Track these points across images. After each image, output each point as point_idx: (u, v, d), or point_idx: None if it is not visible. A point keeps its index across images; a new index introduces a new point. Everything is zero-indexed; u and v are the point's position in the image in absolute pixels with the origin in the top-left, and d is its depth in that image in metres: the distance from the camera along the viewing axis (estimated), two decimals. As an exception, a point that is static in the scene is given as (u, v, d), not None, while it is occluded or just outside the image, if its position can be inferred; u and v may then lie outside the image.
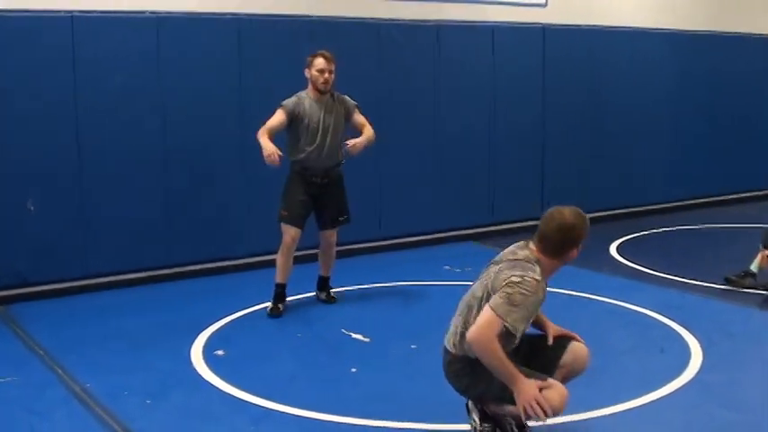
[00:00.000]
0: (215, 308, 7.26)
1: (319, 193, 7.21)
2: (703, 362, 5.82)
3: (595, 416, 5.00)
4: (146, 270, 8.23)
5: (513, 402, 4.25)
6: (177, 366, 5.92)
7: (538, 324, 4.70)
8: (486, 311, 4.22)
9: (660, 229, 10.87)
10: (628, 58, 11.38)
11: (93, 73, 7.78)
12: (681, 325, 6.63)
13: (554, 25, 10.73)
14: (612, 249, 9.65)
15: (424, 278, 8.34)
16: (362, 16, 9.39)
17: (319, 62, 7.03)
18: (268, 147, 6.77)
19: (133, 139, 8.05)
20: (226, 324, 6.90)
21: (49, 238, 7.75)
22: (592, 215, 11.16)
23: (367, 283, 8.10)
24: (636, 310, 7.12)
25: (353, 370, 5.84)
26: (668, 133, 11.96)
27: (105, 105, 7.87)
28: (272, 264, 8.78)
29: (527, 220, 10.59)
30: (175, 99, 8.20)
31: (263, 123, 6.98)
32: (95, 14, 7.78)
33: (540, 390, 4.21)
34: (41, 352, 6.26)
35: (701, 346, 6.12)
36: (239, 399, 5.32)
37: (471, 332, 4.24)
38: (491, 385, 4.36)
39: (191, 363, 5.97)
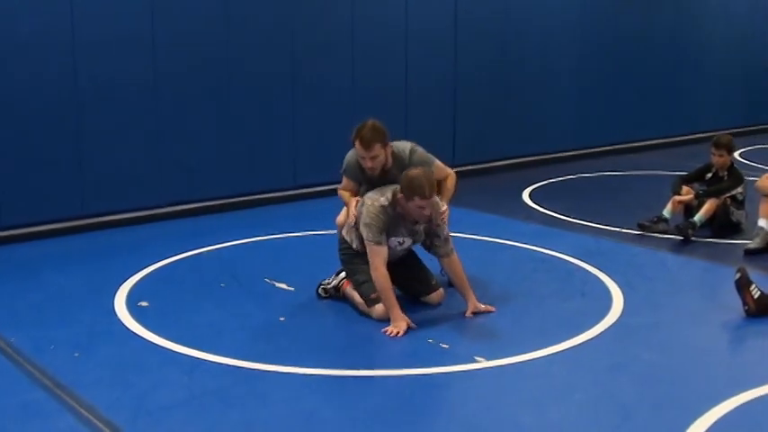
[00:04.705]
0: (133, 259, 7.12)
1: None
2: (624, 305, 5.99)
3: (525, 359, 5.10)
4: (60, 221, 8.02)
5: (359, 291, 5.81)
6: (101, 318, 5.80)
7: (461, 293, 5.88)
8: (366, 246, 5.68)
9: (570, 176, 11.05)
10: (537, 9, 11.50)
11: (2, 18, 7.51)
12: (599, 269, 6.79)
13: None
14: (525, 196, 9.79)
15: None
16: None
17: (359, 150, 5.86)
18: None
19: (44, 82, 7.80)
20: (146, 276, 6.77)
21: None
22: (503, 162, 11.45)
23: (283, 233, 8.05)
24: (554, 256, 7.25)
25: (282, 319, 5.81)
26: (574, 82, 12.16)
27: (15, 50, 7.62)
28: (187, 213, 8.72)
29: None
30: (87, 42, 7.95)
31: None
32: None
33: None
34: (-43, 307, 6.08)
35: (621, 290, 6.28)
36: (169, 349, 5.25)
37: (371, 268, 5.63)
38: (356, 275, 5.85)
39: (115, 314, 5.86)
